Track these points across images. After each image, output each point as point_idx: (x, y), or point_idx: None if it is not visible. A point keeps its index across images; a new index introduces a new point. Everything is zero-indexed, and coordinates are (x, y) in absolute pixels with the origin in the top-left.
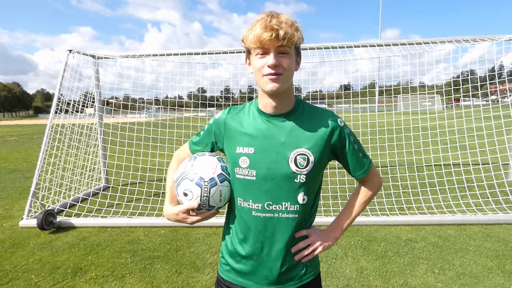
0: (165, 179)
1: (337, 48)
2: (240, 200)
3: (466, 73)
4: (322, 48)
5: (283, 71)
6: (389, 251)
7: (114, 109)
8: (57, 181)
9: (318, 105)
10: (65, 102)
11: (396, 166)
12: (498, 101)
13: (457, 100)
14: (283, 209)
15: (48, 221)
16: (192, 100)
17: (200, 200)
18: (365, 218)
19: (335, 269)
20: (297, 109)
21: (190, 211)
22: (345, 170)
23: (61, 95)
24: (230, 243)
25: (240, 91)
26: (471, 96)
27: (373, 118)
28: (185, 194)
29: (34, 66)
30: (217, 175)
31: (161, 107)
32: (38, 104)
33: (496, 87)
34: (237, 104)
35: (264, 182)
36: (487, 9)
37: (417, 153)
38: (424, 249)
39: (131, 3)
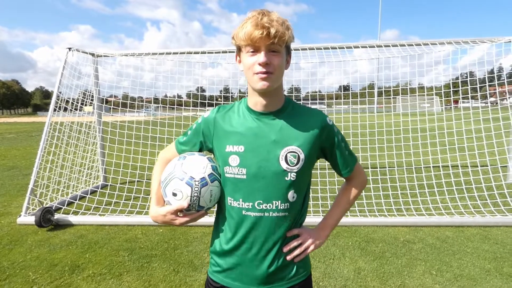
0: None
1: (336, 48)
2: (230, 199)
3: (465, 75)
4: (321, 49)
5: (274, 69)
6: (386, 252)
7: (113, 108)
8: (55, 178)
9: (317, 106)
10: (64, 100)
11: (394, 167)
12: (497, 103)
13: (456, 101)
14: (274, 207)
15: (46, 219)
16: (191, 99)
17: (190, 200)
18: (363, 219)
19: (333, 269)
20: (286, 107)
21: (179, 212)
22: (332, 171)
23: (60, 93)
24: (219, 244)
25: (240, 90)
26: (470, 98)
27: (372, 119)
28: (174, 194)
29: (33, 63)
30: (208, 175)
31: (160, 106)
32: (37, 101)
33: (495, 89)
34: None
35: (255, 181)
36: (486, 11)
37: (415, 154)
38: (422, 251)
39: (131, 1)
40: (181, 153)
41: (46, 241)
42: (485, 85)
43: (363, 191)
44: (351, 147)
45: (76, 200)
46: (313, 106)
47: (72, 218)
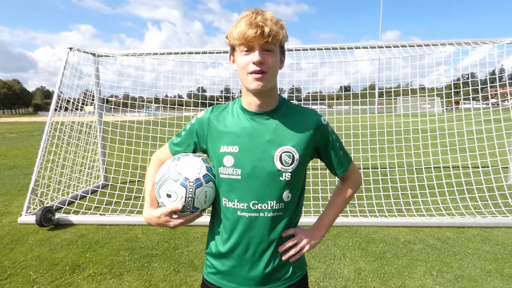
0: None
1: (337, 49)
2: (224, 200)
3: (467, 76)
4: (322, 49)
5: (268, 69)
6: (387, 253)
7: (113, 107)
8: (56, 178)
9: (318, 106)
10: (65, 99)
11: (395, 168)
12: (498, 104)
13: (457, 103)
14: (269, 208)
15: (46, 218)
16: (192, 99)
17: (185, 202)
18: (364, 219)
19: (333, 270)
20: (281, 107)
21: (173, 214)
22: (326, 171)
23: (61, 92)
24: (215, 245)
25: (240, 91)
26: (471, 99)
27: (373, 119)
28: (169, 196)
29: (34, 63)
30: (203, 176)
31: (161, 106)
32: (38, 101)
33: (496, 91)
34: None
35: (250, 181)
36: (488, 12)
37: (416, 155)
38: (423, 251)
39: (132, 1)
40: (175, 154)
41: (47, 241)
42: (487, 86)
43: (363, 191)
44: (352, 147)
45: (76, 200)
46: (314, 107)
47: (73, 218)
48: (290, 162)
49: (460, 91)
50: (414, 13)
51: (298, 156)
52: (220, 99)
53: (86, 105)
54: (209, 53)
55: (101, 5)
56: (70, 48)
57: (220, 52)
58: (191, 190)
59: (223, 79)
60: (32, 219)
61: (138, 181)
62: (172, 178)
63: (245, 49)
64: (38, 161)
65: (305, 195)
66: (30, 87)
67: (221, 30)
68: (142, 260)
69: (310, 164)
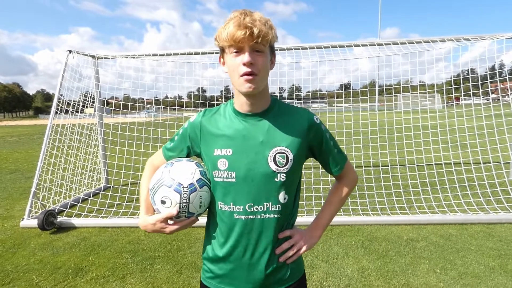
0: None
1: (336, 47)
2: (220, 203)
3: (467, 72)
4: (322, 47)
5: (258, 70)
6: (390, 251)
7: (114, 109)
8: (58, 181)
9: (317, 105)
10: (65, 102)
11: (397, 165)
12: (499, 99)
13: (457, 99)
14: (265, 209)
15: (48, 222)
16: (192, 100)
17: (179, 207)
18: (366, 217)
19: (336, 269)
20: (273, 107)
21: (168, 220)
22: (321, 170)
23: (61, 95)
24: (212, 249)
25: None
26: (471, 94)
27: (373, 117)
28: (163, 202)
29: (34, 66)
30: (196, 180)
31: (161, 107)
32: (38, 104)
33: (496, 86)
34: None
35: (245, 183)
36: (487, 8)
37: (417, 152)
38: (426, 249)
39: (130, 3)
40: (169, 159)
41: (49, 244)
42: (487, 82)
43: (365, 189)
44: (353, 145)
45: (78, 203)
46: (314, 105)
47: (75, 221)
48: (284, 163)
49: (460, 87)
50: (412, 9)
51: (292, 157)
52: (220, 99)
53: (87, 107)
54: (208, 53)
55: (100, 7)
56: (70, 51)
57: (219, 53)
58: (185, 195)
59: (223, 79)
60: (34, 222)
61: (139, 183)
62: (165, 184)
63: (235, 50)
64: (39, 165)
65: (300, 194)
66: (30, 90)
67: None
68: (144, 262)
69: (306, 163)
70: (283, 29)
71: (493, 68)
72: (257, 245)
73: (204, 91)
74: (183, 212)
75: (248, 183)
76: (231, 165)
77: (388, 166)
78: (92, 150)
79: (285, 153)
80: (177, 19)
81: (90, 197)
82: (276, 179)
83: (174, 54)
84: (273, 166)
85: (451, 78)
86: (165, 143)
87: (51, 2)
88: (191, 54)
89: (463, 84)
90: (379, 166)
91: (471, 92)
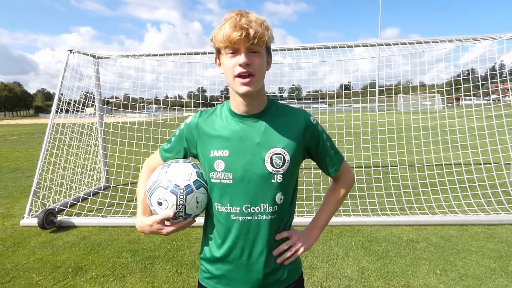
0: None
1: (337, 47)
2: (217, 205)
3: (467, 72)
4: (322, 48)
5: (255, 71)
6: (390, 252)
7: (114, 109)
8: (58, 180)
9: (318, 105)
10: (66, 101)
11: (397, 166)
12: (499, 100)
13: (458, 99)
14: (262, 210)
15: (49, 220)
16: (193, 100)
17: (176, 209)
18: (366, 218)
19: (336, 269)
20: (269, 108)
21: (165, 221)
22: (319, 171)
23: (62, 94)
24: (209, 250)
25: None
26: (472, 95)
27: (373, 117)
28: (160, 203)
29: (35, 66)
30: (193, 182)
31: (161, 107)
32: (39, 103)
33: (497, 86)
34: None
35: (241, 185)
36: (488, 8)
37: (418, 152)
38: (426, 250)
39: (131, 2)
40: (166, 161)
41: (49, 243)
42: (487, 82)
43: (365, 189)
44: (353, 146)
45: (78, 202)
46: (314, 105)
47: (75, 220)
48: (281, 164)
49: (460, 87)
50: (413, 10)
51: (289, 158)
52: (220, 99)
53: (87, 106)
54: (209, 53)
55: (101, 7)
56: (70, 50)
57: (214, 53)
58: (181, 197)
59: (223, 79)
60: (34, 221)
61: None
62: (162, 185)
63: (231, 51)
64: (39, 164)
65: (298, 195)
66: (31, 89)
67: None
68: (144, 261)
69: (303, 163)
70: (284, 29)
71: (493, 69)
72: (254, 246)
73: (204, 91)
74: (180, 214)
75: (245, 184)
76: (227, 167)
77: (388, 166)
78: (92, 150)
79: (281, 154)
80: (178, 18)
81: (90, 196)
82: (273, 180)
83: (175, 54)
84: (269, 167)
85: (451, 78)
86: (163, 144)
87: (52, 2)
88: (192, 54)
89: (463, 84)
90: (379, 167)
91: (472, 92)
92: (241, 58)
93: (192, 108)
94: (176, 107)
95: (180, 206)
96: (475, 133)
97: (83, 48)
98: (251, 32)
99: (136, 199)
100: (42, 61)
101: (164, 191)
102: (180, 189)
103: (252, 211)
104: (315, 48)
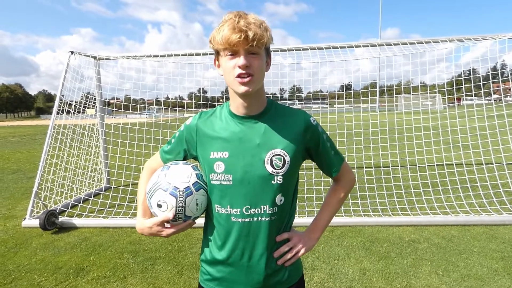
0: None
1: (337, 48)
2: (217, 206)
3: (468, 72)
4: (322, 48)
5: (254, 72)
6: (392, 252)
7: (115, 110)
8: (59, 181)
9: (318, 106)
10: (67, 103)
11: (398, 166)
12: (501, 100)
13: (459, 99)
14: (262, 212)
15: (50, 221)
16: (193, 101)
17: (176, 211)
18: (368, 218)
19: (338, 270)
20: (269, 109)
21: (165, 223)
22: (319, 171)
23: (63, 96)
24: (209, 252)
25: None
26: (473, 95)
27: (374, 118)
28: (159, 206)
29: (36, 67)
30: (193, 184)
31: (162, 108)
32: (40, 105)
33: (498, 86)
34: None
35: (241, 186)
36: (489, 8)
37: (419, 153)
38: (428, 250)
39: (131, 4)
40: (166, 162)
41: (51, 244)
42: (488, 82)
43: (366, 190)
44: (354, 146)
45: (80, 203)
46: (315, 106)
47: (76, 221)
48: (281, 165)
49: (462, 87)
50: (413, 9)
51: (289, 159)
52: (221, 100)
53: (88, 108)
54: (209, 54)
55: (101, 8)
56: (71, 52)
57: (214, 55)
58: (181, 199)
59: (224, 80)
60: (35, 222)
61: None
62: (161, 188)
63: (230, 53)
64: (41, 165)
65: (298, 195)
66: (32, 90)
67: None
68: (146, 262)
69: (303, 164)
70: (284, 29)
71: (495, 68)
72: (255, 248)
73: (205, 91)
74: (180, 216)
75: (245, 185)
76: (227, 168)
77: (389, 167)
78: (93, 151)
79: (281, 156)
80: (178, 19)
81: (91, 197)
82: (273, 182)
83: (175, 55)
84: (269, 169)
85: (452, 78)
86: (163, 146)
87: (53, 4)
88: (192, 55)
89: (464, 84)
90: (381, 167)
91: (473, 92)
92: (240, 60)
93: (193, 109)
94: (177, 108)
95: (180, 208)
96: (477, 133)
97: (84, 49)
98: (250, 34)
99: (137, 200)
100: (43, 62)
101: (163, 193)
102: (179, 191)
103: (252, 212)
104: (315, 49)
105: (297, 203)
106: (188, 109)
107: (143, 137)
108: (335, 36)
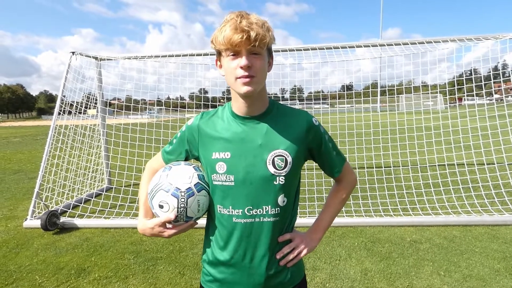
0: None
1: (338, 48)
2: (219, 207)
3: (469, 72)
4: (324, 49)
5: (256, 72)
6: (393, 253)
7: (116, 110)
8: (61, 182)
9: (319, 106)
10: (68, 103)
11: (399, 166)
12: (502, 100)
13: (460, 99)
14: (264, 213)
15: (51, 222)
16: (194, 101)
17: (177, 212)
18: (369, 219)
19: (339, 270)
20: (271, 110)
21: (167, 224)
22: (321, 171)
23: (64, 96)
24: (211, 253)
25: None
26: (474, 95)
27: (375, 118)
28: (161, 206)
29: (37, 68)
30: (194, 185)
31: (163, 108)
32: (41, 105)
33: (500, 86)
34: None
35: (243, 187)
36: (490, 8)
37: (420, 153)
38: (429, 251)
39: (132, 4)
40: (168, 163)
41: (52, 245)
42: (490, 82)
43: (367, 190)
44: (355, 146)
45: (81, 203)
46: (316, 106)
47: (78, 221)
48: (283, 165)
49: (463, 87)
50: (414, 9)
51: (291, 159)
52: (222, 100)
53: (89, 108)
54: (211, 54)
55: (102, 9)
56: (73, 52)
57: (215, 55)
58: (182, 200)
59: (225, 80)
60: (37, 223)
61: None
62: (163, 188)
63: (232, 53)
64: (42, 165)
65: (303, 195)
66: (34, 91)
67: None
68: (147, 263)
69: (305, 164)
70: (285, 30)
71: (496, 68)
72: (257, 249)
73: (206, 92)
74: (181, 217)
75: (247, 186)
76: (229, 169)
77: (390, 167)
78: (94, 151)
79: (284, 156)
80: (179, 20)
81: (92, 197)
82: (275, 182)
83: (176, 55)
84: (272, 169)
85: (453, 78)
86: (165, 146)
87: (54, 4)
88: (193, 55)
89: (466, 84)
90: (382, 167)
91: (474, 92)
92: (242, 60)
93: (194, 109)
94: (178, 109)
95: (181, 209)
96: (478, 133)
97: (85, 50)
98: (252, 34)
99: (138, 201)
100: (44, 63)
101: (165, 194)
102: (181, 192)
103: (254, 213)
104: (316, 49)
105: (298, 203)
106: (189, 109)
107: (144, 138)
108: (336, 36)
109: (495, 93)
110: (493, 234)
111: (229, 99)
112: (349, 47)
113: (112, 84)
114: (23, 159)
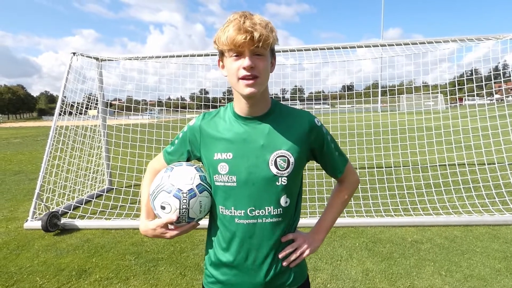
0: None
1: (339, 48)
2: (221, 208)
3: (470, 72)
4: (325, 49)
5: (259, 73)
6: (394, 253)
7: (117, 111)
8: (61, 183)
9: (320, 106)
10: (69, 104)
11: (400, 167)
12: (502, 100)
13: (461, 99)
14: (266, 213)
15: (52, 223)
16: (195, 102)
17: (179, 213)
18: (370, 219)
19: (340, 271)
20: (273, 110)
21: (169, 225)
22: (322, 172)
23: (65, 97)
24: (214, 254)
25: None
26: (475, 95)
27: (376, 118)
28: (163, 208)
29: (38, 68)
30: (196, 186)
31: (164, 109)
32: (42, 106)
33: (500, 86)
34: None
35: (245, 188)
36: (491, 8)
37: (421, 153)
38: (430, 251)
39: (133, 5)
40: (169, 163)
41: (53, 246)
42: (490, 82)
43: (368, 190)
44: (356, 147)
45: (82, 204)
46: (317, 106)
47: (78, 223)
48: (285, 166)
49: (464, 87)
50: (415, 9)
51: (293, 160)
52: (223, 101)
53: (90, 109)
54: (211, 55)
55: (103, 10)
56: (74, 53)
57: (218, 55)
58: (184, 201)
59: (226, 81)
60: (38, 224)
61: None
62: (165, 189)
63: (235, 54)
64: (43, 166)
65: (304, 196)
66: (34, 92)
67: None
68: (148, 264)
69: (309, 164)
70: (286, 30)
71: (497, 69)
72: (260, 250)
73: (206, 92)
74: (183, 218)
75: (249, 187)
76: (231, 169)
77: (391, 167)
78: (95, 152)
79: (286, 157)
80: (180, 20)
81: (93, 198)
82: (277, 183)
83: (177, 56)
84: (274, 170)
85: (454, 78)
86: (166, 146)
87: (55, 5)
88: (194, 56)
89: (466, 84)
90: (383, 168)
91: (475, 92)
92: (246, 61)
93: (195, 110)
94: (179, 109)
95: (183, 210)
96: (479, 133)
97: (86, 50)
98: (256, 35)
99: (139, 201)
100: (45, 63)
101: (167, 195)
102: (183, 193)
103: (256, 214)
104: (317, 49)
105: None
106: (190, 110)
107: (145, 138)
108: (337, 36)
109: (496, 93)
110: (494, 234)
111: (229, 99)
112: (350, 47)
113: (113, 84)
114: (23, 160)
